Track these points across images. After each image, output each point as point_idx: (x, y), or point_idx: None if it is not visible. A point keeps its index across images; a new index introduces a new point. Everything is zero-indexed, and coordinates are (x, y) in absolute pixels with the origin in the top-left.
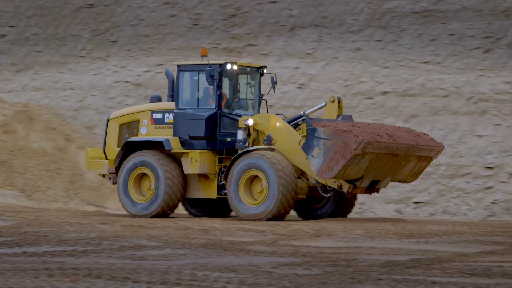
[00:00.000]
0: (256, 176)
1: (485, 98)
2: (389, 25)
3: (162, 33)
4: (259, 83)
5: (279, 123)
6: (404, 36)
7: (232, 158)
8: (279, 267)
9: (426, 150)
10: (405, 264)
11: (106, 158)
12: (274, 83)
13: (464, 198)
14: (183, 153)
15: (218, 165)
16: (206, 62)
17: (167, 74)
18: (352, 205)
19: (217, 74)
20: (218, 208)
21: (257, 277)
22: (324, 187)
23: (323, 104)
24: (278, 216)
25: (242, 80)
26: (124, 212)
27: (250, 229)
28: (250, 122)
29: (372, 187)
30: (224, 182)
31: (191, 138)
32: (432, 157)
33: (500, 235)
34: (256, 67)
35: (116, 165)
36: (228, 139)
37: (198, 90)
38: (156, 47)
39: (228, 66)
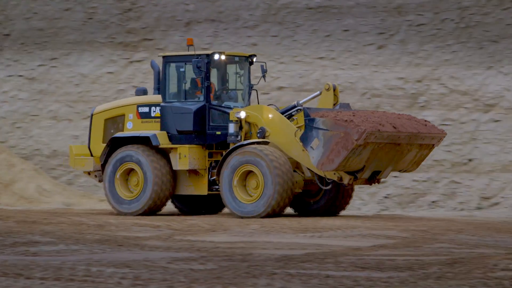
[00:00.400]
0: (250, 172)
1: (378, 93)
2: (285, 21)
3: (56, 26)
4: (249, 73)
5: (272, 115)
6: (299, 31)
7: (225, 152)
8: (174, 262)
9: (428, 137)
10: (299, 258)
11: (91, 155)
12: (264, 72)
13: (357, 193)
14: (172, 148)
15: (208, 160)
16: (193, 53)
17: (152, 65)
18: (350, 197)
19: (204, 65)
20: (209, 204)
21: (152, 272)
22: (322, 179)
23: (318, 93)
24: (275, 212)
25: (231, 70)
26: (18, 208)
27: (146, 224)
28: (243, 114)
29: (373, 178)
30: (215, 177)
31: (179, 132)
32: (434, 144)
33: (392, 229)
34: (245, 56)
35: (102, 162)
36: (218, 133)
37: (185, 82)
38: (50, 41)
39: (216, 56)
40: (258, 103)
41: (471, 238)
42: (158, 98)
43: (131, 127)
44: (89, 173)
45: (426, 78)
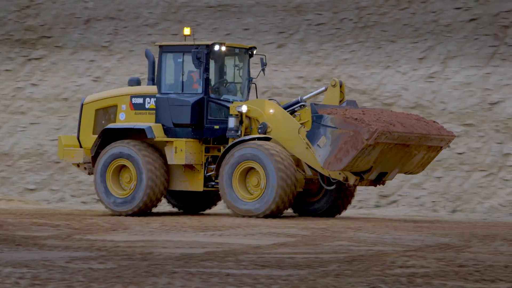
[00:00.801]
0: (251, 168)
1: (279, 92)
2: (185, 19)
3: None
4: (248, 66)
5: (275, 110)
6: (199, 30)
7: (223, 148)
8: (73, 262)
9: (438, 139)
10: (199, 257)
11: (81, 147)
12: (264, 65)
13: None
14: (167, 142)
15: (204, 155)
16: (192, 43)
17: (147, 55)
18: (352, 196)
19: (204, 56)
20: (203, 201)
21: (51, 272)
22: (324, 178)
23: (323, 88)
24: (277, 211)
25: (230, 62)
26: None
27: (45, 223)
28: (244, 108)
29: (379, 179)
30: (211, 174)
31: (176, 125)
32: (442, 147)
33: (292, 227)
34: (245, 48)
35: (93, 154)
36: (216, 127)
37: (182, 74)
38: None
39: (216, 47)
40: (257, 97)
41: (369, 236)
42: (153, 89)
43: (124, 119)
44: (78, 165)
45: (325, 77)
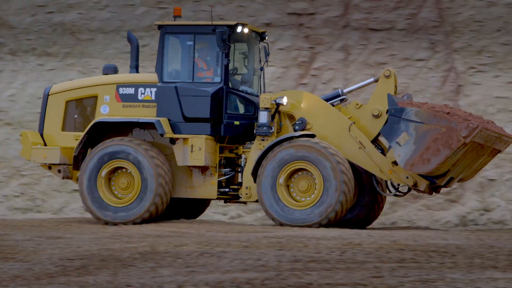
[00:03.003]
0: (299, 170)
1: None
2: None
3: None
4: (259, 52)
5: (316, 103)
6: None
7: (266, 146)
8: None
9: (503, 142)
10: None
11: (45, 144)
12: (267, 54)
13: None
14: (177, 139)
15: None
16: (206, 23)
17: (130, 38)
18: (383, 202)
19: (227, 38)
20: (192, 207)
21: None
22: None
23: (371, 80)
24: (334, 220)
25: (243, 47)
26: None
27: None
28: (285, 100)
29: (440, 186)
30: (223, 179)
31: (188, 120)
32: (501, 150)
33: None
34: (259, 32)
35: (76, 154)
36: (237, 123)
37: (194, 59)
38: None
39: (239, 29)
40: (264, 90)
41: None
42: (148, 77)
43: (107, 112)
44: (49, 167)
45: None
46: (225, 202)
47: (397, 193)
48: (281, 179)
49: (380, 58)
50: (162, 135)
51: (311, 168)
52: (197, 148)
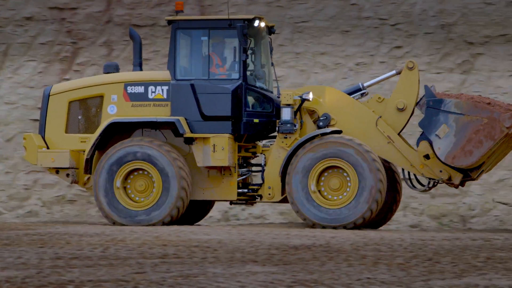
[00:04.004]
0: (330, 168)
1: None
2: None
3: None
4: (269, 47)
5: (340, 98)
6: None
7: (296, 143)
8: None
9: None
10: None
11: (47, 147)
12: (271, 50)
13: None
14: (196, 138)
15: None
16: (223, 17)
17: (132, 34)
18: (398, 205)
19: (247, 33)
20: (194, 210)
21: None
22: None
23: (393, 72)
24: (369, 220)
25: (255, 41)
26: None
27: None
28: (311, 96)
29: (468, 180)
30: (240, 179)
31: (207, 118)
32: None
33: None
34: (268, 26)
35: (88, 157)
36: (256, 121)
37: (209, 55)
38: None
39: (256, 23)
40: (277, 86)
41: None
42: (158, 74)
43: (115, 112)
44: (57, 171)
45: None
46: (245, 203)
47: (427, 187)
48: (313, 178)
49: (144, 55)
50: (182, 135)
51: (345, 166)
52: (219, 148)
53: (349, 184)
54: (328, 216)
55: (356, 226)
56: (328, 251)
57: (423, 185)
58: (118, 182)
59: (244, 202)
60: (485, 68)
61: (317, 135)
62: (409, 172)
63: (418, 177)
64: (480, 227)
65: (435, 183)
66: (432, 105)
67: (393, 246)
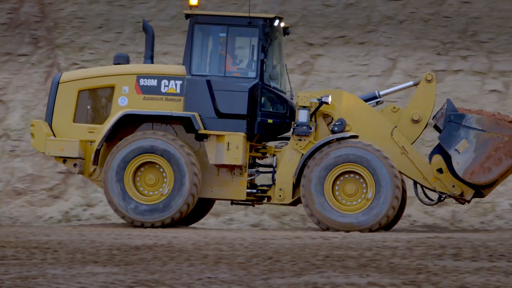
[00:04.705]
0: (346, 173)
1: None
2: None
3: None
4: (283, 48)
5: (357, 104)
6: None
7: (314, 146)
8: None
9: None
10: None
11: (54, 136)
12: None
13: None
14: (210, 135)
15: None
16: (244, 14)
17: (145, 27)
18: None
19: (269, 32)
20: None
21: None
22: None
23: (410, 83)
24: (384, 226)
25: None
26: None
27: None
28: (330, 99)
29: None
30: (252, 178)
31: (222, 116)
32: None
33: None
34: (284, 27)
35: (99, 147)
36: (270, 121)
37: (226, 52)
38: None
39: (276, 22)
40: (290, 88)
41: None
42: (171, 68)
43: (126, 104)
44: (64, 161)
45: None
46: (252, 205)
47: (436, 201)
48: (329, 182)
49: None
50: (195, 131)
51: (363, 171)
52: (234, 146)
53: (364, 190)
54: (346, 221)
55: (371, 232)
56: (170, 251)
57: (431, 200)
58: (129, 175)
59: (250, 203)
60: (325, 69)
61: (333, 140)
62: (417, 185)
63: (426, 191)
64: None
65: (444, 198)
66: (454, 119)
67: (234, 246)
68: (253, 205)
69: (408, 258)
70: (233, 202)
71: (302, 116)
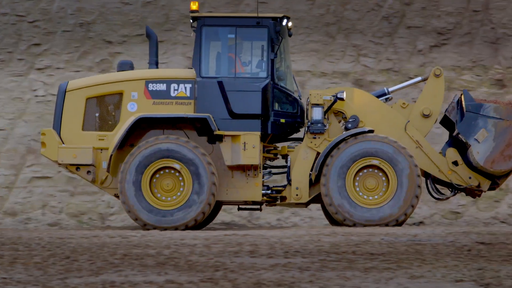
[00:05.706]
0: (365, 168)
1: None
2: None
3: None
4: (288, 48)
5: (369, 101)
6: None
7: (332, 142)
8: None
9: None
10: None
11: (63, 143)
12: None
13: None
14: (224, 136)
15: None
16: (252, 15)
17: (149, 33)
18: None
19: (280, 31)
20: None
21: None
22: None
23: (419, 79)
24: (404, 220)
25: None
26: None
27: None
28: (345, 95)
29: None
30: (265, 179)
31: (236, 116)
32: None
33: None
34: (289, 28)
35: (112, 153)
36: (282, 121)
37: (235, 53)
38: None
39: (284, 22)
40: (297, 87)
41: None
42: (179, 72)
43: (135, 110)
44: (77, 168)
45: None
46: (260, 209)
47: (448, 196)
48: (350, 177)
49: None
50: (209, 133)
51: (384, 165)
52: (250, 146)
53: (384, 184)
54: (368, 216)
55: (398, 224)
56: None
57: (443, 194)
58: (146, 180)
59: (257, 207)
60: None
61: (348, 136)
62: (429, 181)
63: (437, 186)
64: (118, 225)
65: (457, 192)
66: (471, 109)
67: (30, 245)
68: (261, 210)
69: (206, 255)
70: (240, 207)
71: (316, 113)
